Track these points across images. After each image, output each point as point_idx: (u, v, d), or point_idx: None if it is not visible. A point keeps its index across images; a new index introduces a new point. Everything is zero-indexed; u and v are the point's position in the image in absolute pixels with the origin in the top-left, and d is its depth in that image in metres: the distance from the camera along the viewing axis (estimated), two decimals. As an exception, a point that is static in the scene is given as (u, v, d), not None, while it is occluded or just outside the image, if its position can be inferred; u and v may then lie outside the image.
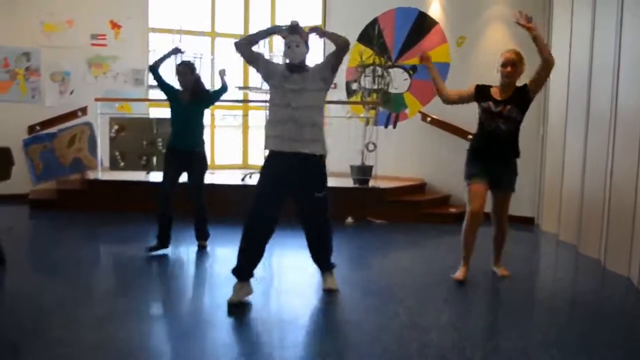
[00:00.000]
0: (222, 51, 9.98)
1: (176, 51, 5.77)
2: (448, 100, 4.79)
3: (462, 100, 4.81)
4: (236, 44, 4.23)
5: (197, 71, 5.70)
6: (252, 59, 4.26)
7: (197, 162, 5.64)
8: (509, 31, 7.72)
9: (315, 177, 4.19)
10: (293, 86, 4.07)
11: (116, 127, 8.06)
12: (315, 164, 4.15)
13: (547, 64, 4.42)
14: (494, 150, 4.66)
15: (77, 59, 8.97)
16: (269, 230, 4.11)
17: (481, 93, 4.70)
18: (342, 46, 4.14)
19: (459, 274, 4.75)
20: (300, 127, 4.03)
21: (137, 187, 7.86)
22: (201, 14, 9.99)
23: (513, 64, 4.53)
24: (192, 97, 5.54)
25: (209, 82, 9.47)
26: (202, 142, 5.71)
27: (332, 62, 4.18)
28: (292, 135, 4.03)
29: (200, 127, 5.70)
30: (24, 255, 5.66)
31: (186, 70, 5.53)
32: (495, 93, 4.66)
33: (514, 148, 4.71)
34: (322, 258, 4.46)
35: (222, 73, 5.91)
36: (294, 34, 4.13)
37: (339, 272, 4.56)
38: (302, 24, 4.21)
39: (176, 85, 5.63)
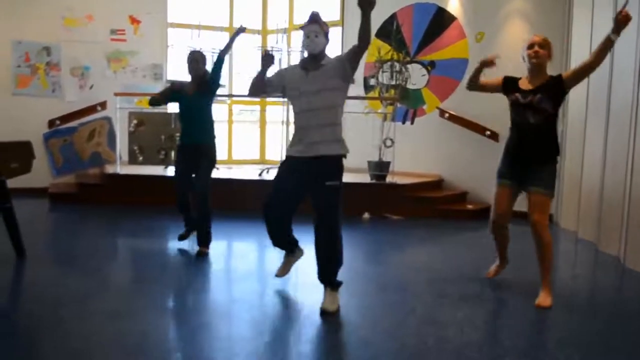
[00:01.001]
0: (239, 47, 9.99)
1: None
2: (475, 89, 4.57)
3: (485, 88, 4.54)
4: (250, 94, 4.22)
5: (207, 63, 5.64)
6: (271, 91, 4.19)
7: (204, 156, 5.40)
8: (528, 26, 7.67)
9: (329, 169, 3.94)
10: (310, 88, 3.93)
11: (135, 121, 8.12)
12: (330, 161, 3.94)
13: (595, 63, 4.08)
14: (523, 146, 4.28)
15: (97, 54, 9.05)
16: (282, 221, 4.13)
17: (509, 85, 4.38)
18: (366, 42, 3.83)
19: (491, 270, 4.80)
20: (317, 130, 3.90)
21: (155, 181, 7.90)
22: (219, 9, 10.02)
23: (540, 45, 4.22)
24: (197, 89, 5.43)
25: (227, 77, 9.51)
26: (212, 137, 5.51)
27: (352, 59, 3.93)
28: (308, 139, 3.92)
29: (208, 120, 5.49)
30: (43, 248, 5.72)
31: (199, 58, 5.48)
32: (523, 84, 4.32)
33: (548, 144, 4.24)
34: (325, 268, 3.97)
35: (240, 31, 5.63)
36: (314, 23, 3.98)
37: (355, 267, 4.55)
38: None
39: (181, 79, 5.61)
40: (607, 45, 3.96)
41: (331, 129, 3.92)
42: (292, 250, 4.46)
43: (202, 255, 5.33)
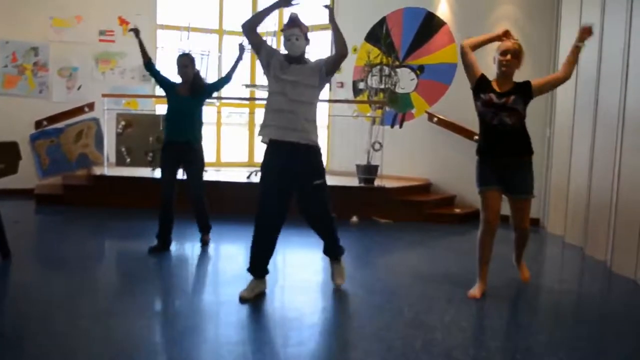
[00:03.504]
0: (229, 49, 10.00)
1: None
2: (464, 54, 4.41)
3: (468, 66, 4.41)
4: (243, 26, 4.17)
5: (197, 65, 5.66)
6: (256, 44, 4.21)
7: (195, 158, 5.49)
8: (517, 32, 7.68)
9: (314, 166, 4.18)
10: (289, 77, 4.08)
11: (123, 123, 8.06)
12: (313, 153, 4.17)
13: (565, 78, 4.29)
14: (503, 147, 4.24)
15: (85, 55, 8.99)
16: (276, 226, 4.16)
17: (483, 83, 4.33)
18: (340, 54, 4.11)
19: (474, 290, 4.31)
20: (296, 117, 4.04)
21: (142, 183, 7.86)
22: (209, 11, 10.01)
23: (513, 54, 4.22)
24: (190, 91, 5.47)
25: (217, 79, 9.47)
26: (200, 137, 5.54)
27: (329, 67, 4.15)
28: (288, 125, 4.04)
29: (198, 120, 5.53)
30: (30, 249, 5.67)
31: (187, 62, 5.48)
32: (495, 86, 4.30)
33: (525, 144, 4.28)
34: (329, 247, 4.49)
35: (241, 48, 5.72)
36: (294, 26, 4.12)
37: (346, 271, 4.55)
38: (312, 22, 4.22)
39: (175, 78, 5.61)
40: (575, 54, 4.26)
41: (305, 122, 4.08)
42: (263, 275, 4.26)
43: (206, 244, 5.75)
